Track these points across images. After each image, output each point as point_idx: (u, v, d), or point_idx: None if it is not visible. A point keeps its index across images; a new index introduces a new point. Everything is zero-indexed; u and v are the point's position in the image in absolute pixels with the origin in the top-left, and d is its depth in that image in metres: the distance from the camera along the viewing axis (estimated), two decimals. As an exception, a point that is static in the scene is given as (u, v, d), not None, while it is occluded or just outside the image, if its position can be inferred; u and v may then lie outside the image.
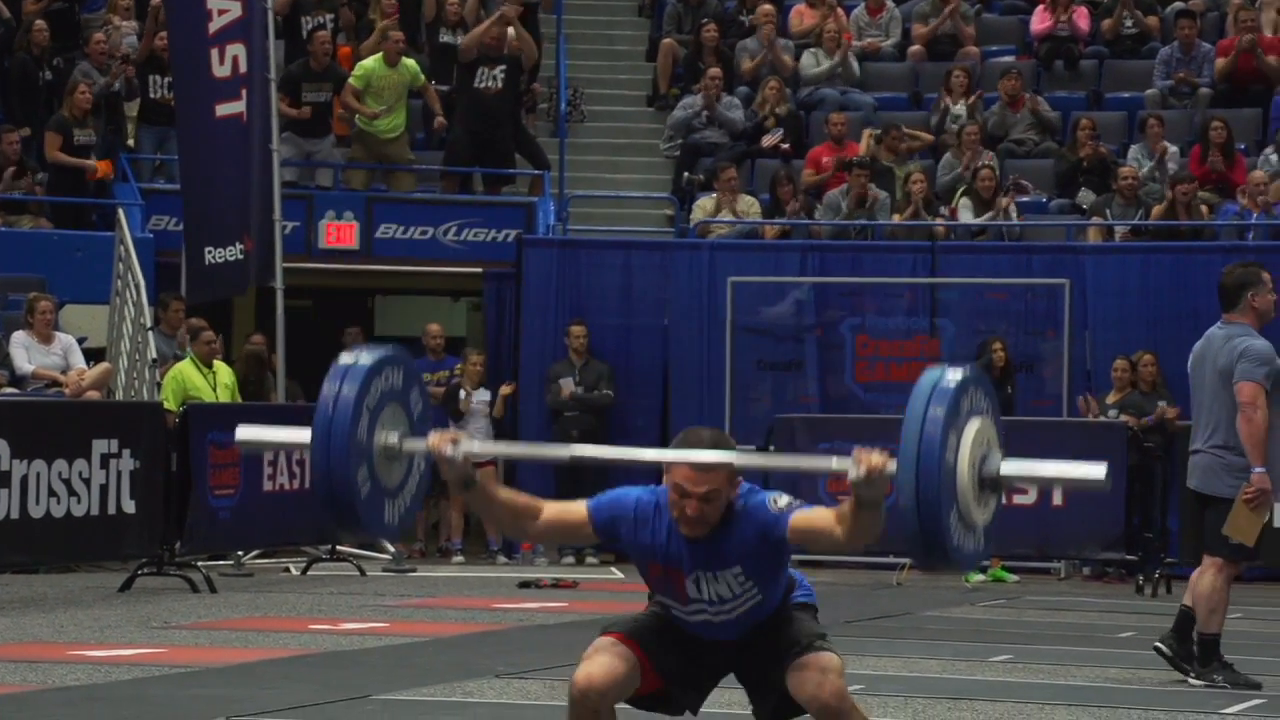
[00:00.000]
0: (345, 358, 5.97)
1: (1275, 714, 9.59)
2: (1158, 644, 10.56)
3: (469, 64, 20.45)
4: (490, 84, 20.47)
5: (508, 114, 20.60)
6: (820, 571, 16.13)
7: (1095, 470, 5.58)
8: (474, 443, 6.05)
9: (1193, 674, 10.40)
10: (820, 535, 6.05)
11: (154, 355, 17.00)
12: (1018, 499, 16.71)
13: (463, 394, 18.84)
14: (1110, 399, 17.84)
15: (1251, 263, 10.87)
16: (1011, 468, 5.62)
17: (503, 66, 20.48)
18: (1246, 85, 21.39)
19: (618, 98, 23.41)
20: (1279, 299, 10.65)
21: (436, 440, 5.97)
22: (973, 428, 5.52)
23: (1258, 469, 10.18)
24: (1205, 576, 10.34)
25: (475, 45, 20.44)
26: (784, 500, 6.13)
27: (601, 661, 6.19)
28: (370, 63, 20.39)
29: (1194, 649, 10.44)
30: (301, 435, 6.01)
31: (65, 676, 10.01)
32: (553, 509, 6.33)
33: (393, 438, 5.94)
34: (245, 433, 6.33)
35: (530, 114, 21.99)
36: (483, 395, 18.94)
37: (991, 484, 5.61)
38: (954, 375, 5.56)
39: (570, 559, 18.63)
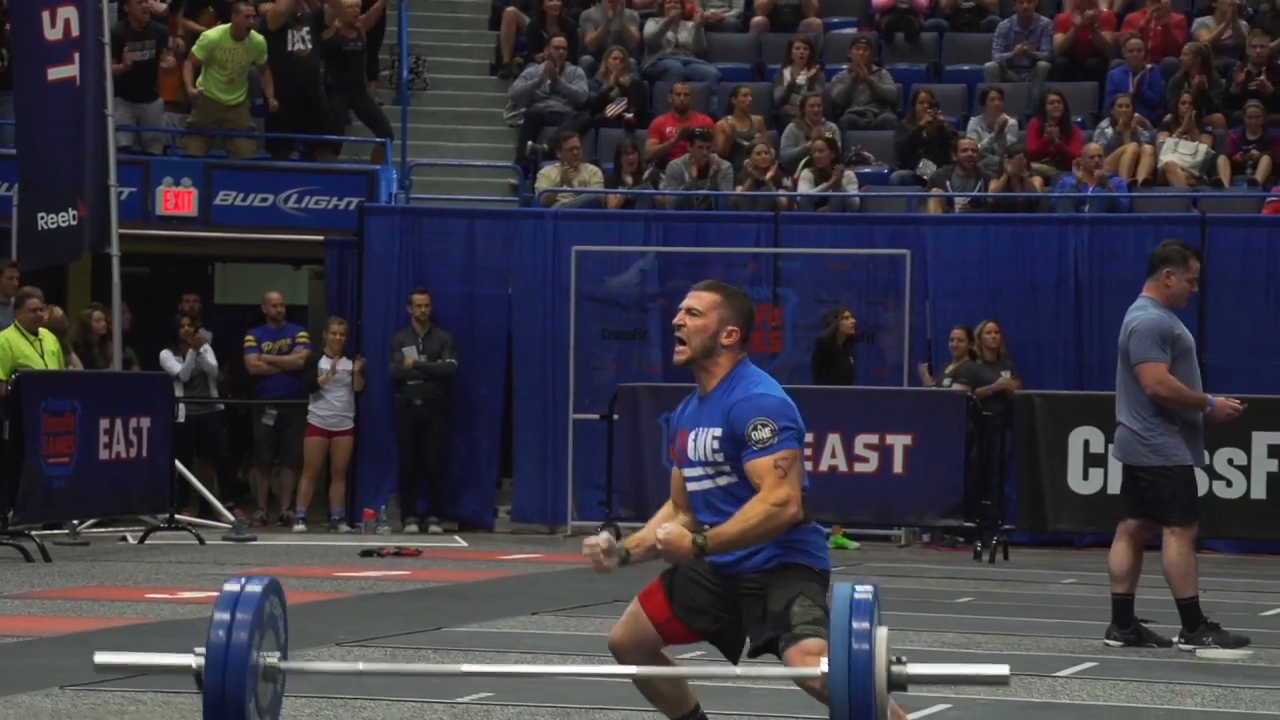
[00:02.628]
0: (232, 585, 6.13)
1: (1105, 676, 9.74)
2: (1106, 641, 10.70)
3: (279, 30, 20.26)
4: (300, 46, 20.31)
5: (319, 75, 20.43)
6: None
7: (998, 670, 5.98)
8: (609, 540, 6.62)
9: (1182, 640, 10.54)
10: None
11: (-14, 322, 16.74)
12: (859, 467, 16.84)
13: (324, 365, 18.66)
14: (950, 369, 18.00)
15: (1188, 245, 10.93)
16: (918, 670, 5.97)
17: (308, 27, 20.32)
18: (1084, 59, 21.62)
19: (460, 66, 23.28)
20: (1195, 291, 10.77)
21: (599, 557, 6.57)
22: (882, 634, 5.89)
23: (1210, 404, 10.53)
24: (1169, 549, 10.49)
25: (285, 13, 20.24)
26: (765, 432, 6.49)
27: (620, 623, 6.83)
28: (215, 34, 20.12)
29: (1141, 626, 10.65)
30: (169, 660, 6.21)
31: (-105, 646, 9.83)
32: (674, 489, 6.84)
33: (272, 659, 6.16)
34: (105, 659, 6.28)
35: (373, 80, 21.82)
36: (345, 365, 18.81)
37: (899, 687, 5.93)
38: (866, 590, 5.96)
39: (414, 527, 18.55)
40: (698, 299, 6.69)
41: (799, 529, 6.57)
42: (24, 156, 17.83)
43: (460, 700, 8.55)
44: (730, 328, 6.64)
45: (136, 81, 19.84)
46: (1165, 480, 10.48)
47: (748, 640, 6.70)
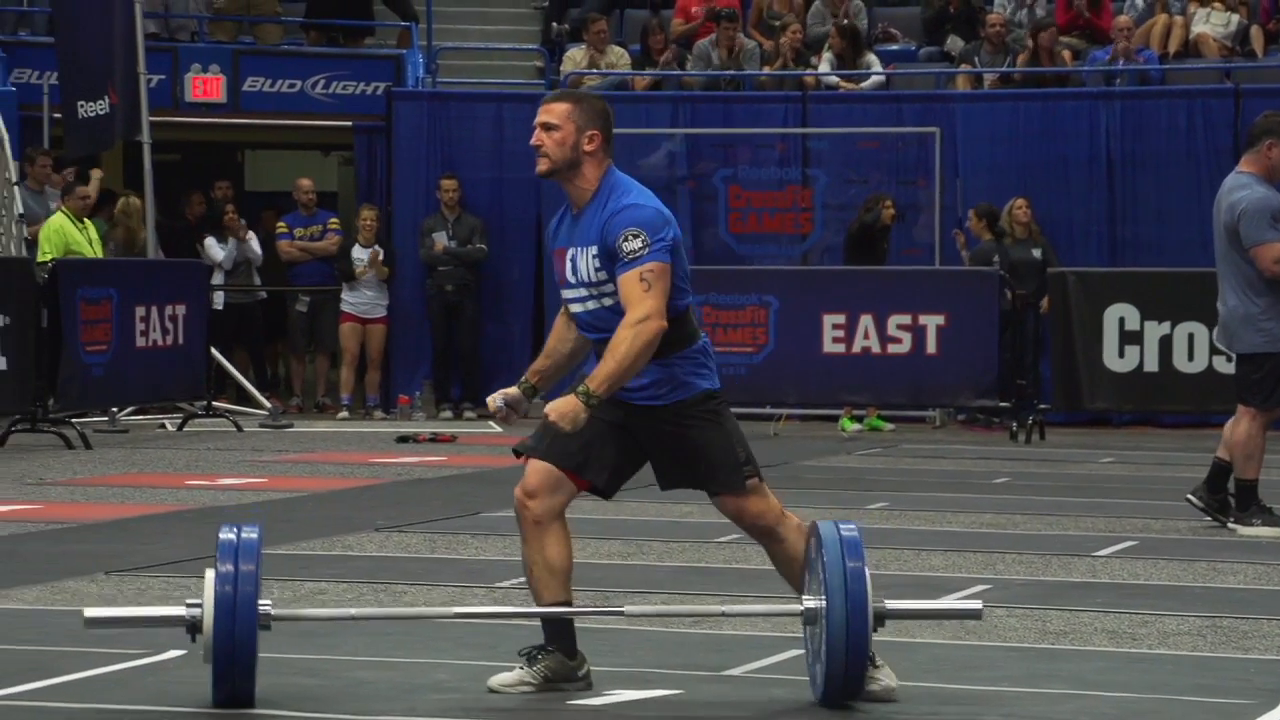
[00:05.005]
0: (228, 534, 6.12)
1: (1145, 555, 9.76)
2: (1189, 496, 10.61)
3: None
4: None
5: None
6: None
7: (972, 605, 6.32)
8: (505, 395, 6.61)
9: (1232, 519, 10.47)
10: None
11: (20, 210, 16.80)
12: (892, 348, 16.82)
13: (357, 254, 18.52)
14: (974, 251, 17.87)
15: None
16: (897, 606, 6.22)
17: None
18: (1114, -69, 21.41)
19: (486, -53, 23.12)
20: None
21: (499, 408, 6.60)
22: (868, 574, 6.07)
23: None
24: (1240, 425, 10.39)
25: None
26: (636, 243, 6.30)
27: (528, 472, 6.55)
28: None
29: (1228, 498, 10.50)
30: (162, 612, 6.29)
31: (-59, 537, 9.92)
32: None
33: (266, 605, 6.14)
34: (95, 613, 6.27)
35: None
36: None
37: (879, 623, 6.08)
38: (851, 529, 6.13)
39: (449, 414, 18.60)
40: (549, 112, 6.39)
41: (688, 349, 6.38)
42: (61, 45, 17.85)
43: (500, 585, 8.62)
44: (590, 132, 6.37)
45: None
46: (1263, 364, 10.30)
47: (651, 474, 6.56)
